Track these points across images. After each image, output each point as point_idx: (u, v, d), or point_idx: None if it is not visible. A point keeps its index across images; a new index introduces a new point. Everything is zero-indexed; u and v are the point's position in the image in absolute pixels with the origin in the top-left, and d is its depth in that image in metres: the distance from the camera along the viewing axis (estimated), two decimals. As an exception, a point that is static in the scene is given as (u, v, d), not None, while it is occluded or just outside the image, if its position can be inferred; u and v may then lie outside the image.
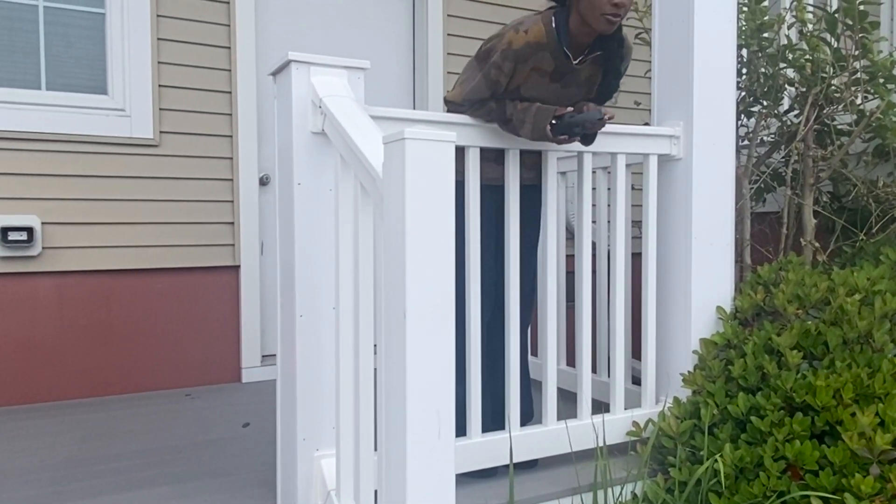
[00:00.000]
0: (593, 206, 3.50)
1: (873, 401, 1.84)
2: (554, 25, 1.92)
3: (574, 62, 1.98)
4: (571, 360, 3.31)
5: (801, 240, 2.73)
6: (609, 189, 2.66)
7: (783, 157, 2.97)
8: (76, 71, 3.03)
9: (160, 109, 3.12)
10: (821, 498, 1.72)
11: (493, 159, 2.13)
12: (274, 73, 1.80)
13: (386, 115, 1.79)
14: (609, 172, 2.69)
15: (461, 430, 2.08)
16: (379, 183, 1.34)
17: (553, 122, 1.90)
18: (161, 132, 3.13)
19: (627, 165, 2.51)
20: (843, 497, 1.69)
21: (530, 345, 3.32)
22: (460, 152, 2.07)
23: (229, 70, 3.24)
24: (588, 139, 2.02)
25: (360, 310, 1.51)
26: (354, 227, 1.52)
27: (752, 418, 1.92)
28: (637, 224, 3.48)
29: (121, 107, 3.06)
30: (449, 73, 3.74)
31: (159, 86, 3.12)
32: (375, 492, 1.53)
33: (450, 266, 1.25)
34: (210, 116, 3.21)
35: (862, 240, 2.76)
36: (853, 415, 1.81)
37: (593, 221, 3.34)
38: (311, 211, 1.70)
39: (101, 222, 3.04)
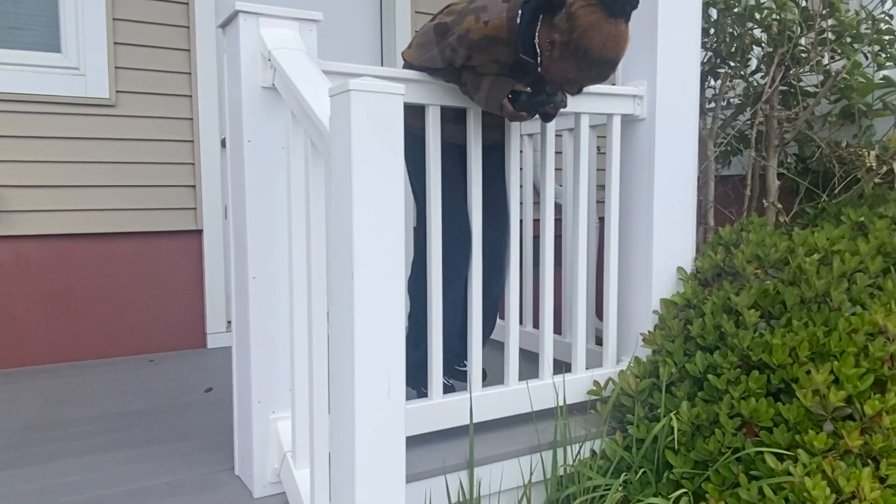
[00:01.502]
0: (559, 169, 3.48)
1: (829, 359, 1.86)
2: (519, 21, 1.72)
3: (534, 62, 1.78)
4: (538, 322, 3.31)
5: (764, 201, 2.74)
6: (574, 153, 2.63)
7: (749, 119, 2.96)
8: (28, 28, 2.91)
9: (116, 68, 3.02)
10: (774, 454, 1.74)
11: (457, 120, 2.07)
12: (222, 26, 1.73)
13: (340, 70, 1.73)
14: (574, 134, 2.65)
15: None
16: (327, 138, 1.30)
17: (510, 95, 1.82)
18: (117, 92, 3.02)
19: (592, 127, 2.49)
20: (796, 453, 1.71)
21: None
22: (421, 110, 2.03)
23: (187, 27, 3.13)
24: (547, 117, 1.96)
25: (314, 270, 1.48)
26: (306, 186, 1.48)
27: (710, 376, 1.94)
28: (603, 188, 3.45)
29: (75, 65, 2.95)
30: (417, 31, 3.65)
31: (115, 43, 3.01)
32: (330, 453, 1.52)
33: (398, 223, 1.23)
34: (168, 75, 3.11)
35: (824, 201, 2.77)
36: (808, 373, 1.83)
37: (560, 185, 3.33)
38: (262, 169, 1.65)
39: (58, 185, 2.95)
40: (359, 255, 1.19)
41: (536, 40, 1.72)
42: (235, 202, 1.74)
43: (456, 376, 2.29)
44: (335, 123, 1.23)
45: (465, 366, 2.21)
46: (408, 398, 2.07)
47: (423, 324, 2.03)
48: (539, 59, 1.73)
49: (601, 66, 1.63)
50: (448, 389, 2.12)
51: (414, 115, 2.03)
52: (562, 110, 2.10)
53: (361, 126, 1.17)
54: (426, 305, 1.95)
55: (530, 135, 2.91)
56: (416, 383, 2.16)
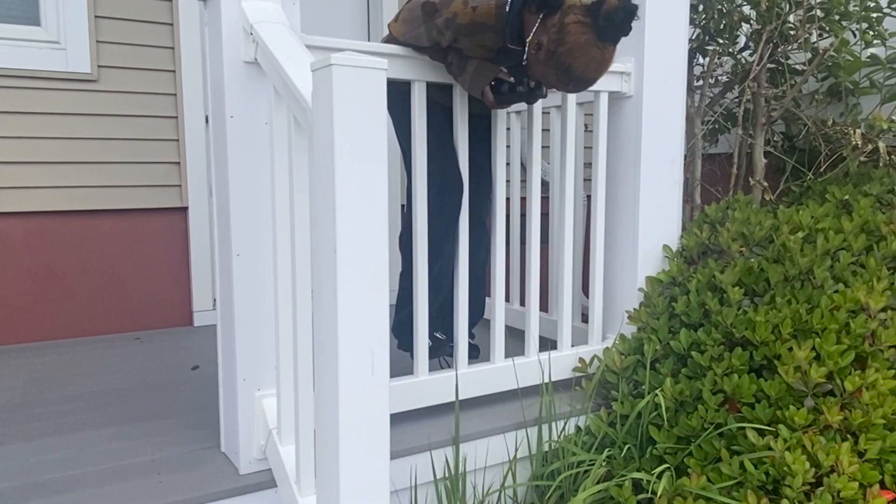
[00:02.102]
0: (546, 147, 3.47)
1: (811, 336, 1.88)
2: (508, 10, 1.71)
3: (520, 50, 1.77)
4: (524, 300, 3.32)
5: (751, 179, 2.74)
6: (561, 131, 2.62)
7: (736, 97, 2.95)
8: (6, 0, 2.85)
9: (97, 42, 2.96)
10: (756, 430, 1.76)
11: (443, 84, 2.03)
12: (204, -1, 1.70)
13: (324, 45, 1.71)
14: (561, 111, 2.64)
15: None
16: (309, 114, 1.28)
17: (493, 83, 1.82)
18: (99, 66, 2.97)
19: (580, 104, 2.47)
20: (777, 429, 1.74)
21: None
22: (407, 85, 2.00)
23: (170, 0, 3.08)
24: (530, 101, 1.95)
25: (298, 248, 1.47)
26: (289, 162, 1.47)
27: (693, 353, 1.95)
28: (590, 166, 3.45)
29: (55, 39, 2.89)
30: (405, 5, 3.61)
31: (96, 16, 2.95)
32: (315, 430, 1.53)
33: (382, 199, 1.22)
34: (151, 50, 3.06)
35: (810, 179, 2.78)
36: (790, 349, 1.85)
37: (547, 163, 3.32)
38: (245, 145, 1.63)
39: (40, 161, 2.91)
40: (342, 232, 1.18)
41: (528, 37, 1.70)
42: (219, 179, 1.72)
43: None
44: (317, 98, 1.21)
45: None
46: (402, 360, 2.08)
47: (434, 281, 2.04)
48: (525, 52, 1.72)
49: (579, 83, 1.67)
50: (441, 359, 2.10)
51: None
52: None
53: (344, 101, 1.16)
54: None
55: (518, 112, 2.89)
56: (410, 344, 2.13)
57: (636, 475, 1.76)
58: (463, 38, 1.77)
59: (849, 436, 1.72)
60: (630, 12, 1.59)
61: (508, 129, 2.87)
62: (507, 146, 2.86)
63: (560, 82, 1.67)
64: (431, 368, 2.03)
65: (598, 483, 1.80)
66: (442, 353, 2.13)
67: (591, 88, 2.16)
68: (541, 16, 1.67)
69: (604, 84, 2.19)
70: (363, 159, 1.18)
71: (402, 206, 3.59)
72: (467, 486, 1.96)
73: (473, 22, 1.72)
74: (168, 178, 3.14)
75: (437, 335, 2.11)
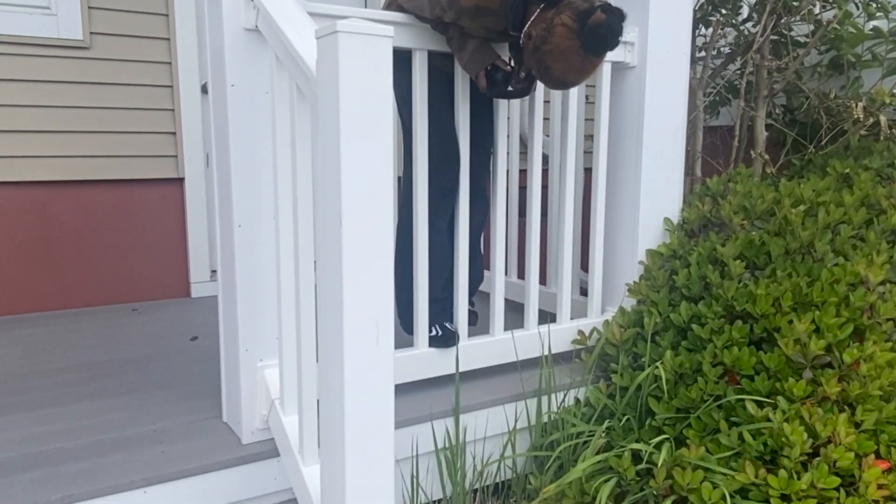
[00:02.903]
0: (546, 119, 3.44)
1: (811, 309, 1.89)
2: None
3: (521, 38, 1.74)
4: (523, 273, 3.33)
5: (752, 152, 2.73)
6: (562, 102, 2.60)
7: (738, 69, 2.93)
8: (-6, -36, 2.78)
9: (90, 8, 2.90)
10: (755, 401, 1.78)
11: (448, 54, 2.01)
12: (202, -36, 1.66)
13: (326, 13, 1.68)
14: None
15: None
16: (313, 82, 1.26)
17: (488, 68, 1.81)
18: (92, 33, 2.92)
19: (582, 74, 2.44)
20: (776, 400, 1.75)
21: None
22: (408, 53, 1.97)
23: (164, -34, 3.01)
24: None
25: (300, 217, 1.46)
26: (291, 132, 1.45)
27: (694, 326, 1.96)
28: (591, 139, 3.43)
29: (45, 4, 2.83)
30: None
31: (87, -18, 2.89)
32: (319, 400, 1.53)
33: (387, 169, 1.20)
34: (144, 17, 3.00)
35: (811, 152, 2.77)
36: (790, 322, 1.86)
37: (546, 135, 3.30)
38: (246, 115, 1.61)
39: (32, 130, 2.86)
40: (347, 202, 1.17)
41: (526, 26, 1.69)
42: (219, 149, 1.70)
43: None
44: (322, 67, 1.19)
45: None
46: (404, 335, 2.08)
47: (433, 257, 2.03)
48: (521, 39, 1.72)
49: (559, 84, 1.68)
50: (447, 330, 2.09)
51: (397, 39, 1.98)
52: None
53: (350, 69, 1.14)
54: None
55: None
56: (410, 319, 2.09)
57: (635, 446, 1.77)
58: (466, 19, 1.75)
59: (846, 407, 1.73)
60: (615, 31, 1.59)
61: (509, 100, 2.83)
62: (507, 118, 2.84)
63: (541, 77, 1.68)
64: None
65: (597, 454, 1.82)
66: (449, 344, 2.03)
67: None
68: (541, 6, 1.66)
69: (607, 54, 2.16)
70: (370, 129, 1.17)
71: (399, 178, 3.57)
72: (467, 456, 1.97)
73: (478, 6, 1.71)
74: (163, 149, 3.10)
75: (447, 325, 2.07)
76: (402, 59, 1.97)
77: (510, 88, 1.84)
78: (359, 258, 1.20)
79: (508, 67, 1.83)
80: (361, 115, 1.16)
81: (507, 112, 2.90)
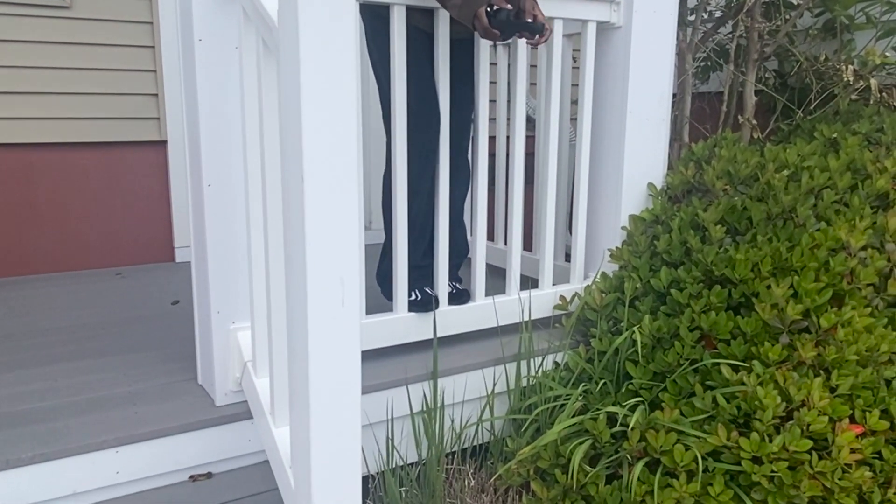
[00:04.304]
0: (534, 84, 3.39)
1: (790, 273, 1.87)
2: None
3: None
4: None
5: (740, 117, 2.69)
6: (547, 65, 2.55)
7: (729, 32, 2.87)
8: (-30, -81, 2.71)
9: (68, -34, 2.84)
10: (731, 365, 1.77)
11: (427, 10, 1.95)
12: (169, -86, 1.61)
13: (297, -34, 1.63)
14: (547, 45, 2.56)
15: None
16: (276, 34, 1.23)
17: (489, 10, 1.69)
18: (71, -8, 2.86)
19: (567, 36, 2.40)
20: (751, 365, 1.75)
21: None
22: (385, 10, 1.91)
23: (143, -78, 2.94)
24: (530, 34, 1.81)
25: (268, 176, 1.43)
26: (258, 88, 1.42)
27: (673, 291, 1.95)
28: (577, 103, 3.36)
29: (22, -39, 2.77)
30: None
31: (65, -62, 2.82)
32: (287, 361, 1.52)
33: (351, 126, 1.17)
34: (124, -25, 2.94)
35: (800, 117, 2.74)
36: (769, 287, 1.85)
37: (535, 99, 3.25)
38: (214, 70, 1.57)
39: (12, 91, 2.82)
40: (309, 157, 1.14)
41: None
42: (189, 106, 1.67)
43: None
44: (283, 17, 1.16)
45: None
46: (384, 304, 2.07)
47: (414, 222, 2.01)
48: None
49: None
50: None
51: None
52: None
53: (309, 19, 1.10)
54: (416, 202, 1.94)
55: (505, 44, 2.81)
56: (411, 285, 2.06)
57: (611, 409, 1.77)
58: None
59: (822, 372, 1.73)
60: None
61: (494, 63, 2.79)
62: (493, 82, 2.78)
63: None
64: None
65: (573, 416, 1.82)
66: (429, 309, 2.02)
67: (577, 17, 2.10)
68: None
69: (592, 13, 2.11)
70: (331, 80, 1.14)
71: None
72: (445, 419, 1.97)
73: None
74: (146, 111, 3.06)
75: (427, 290, 2.05)
76: (377, 17, 1.92)
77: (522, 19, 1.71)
78: (322, 216, 1.18)
79: (508, 5, 1.72)
80: (323, 65, 1.12)
81: (494, 76, 2.85)
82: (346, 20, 1.12)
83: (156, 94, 3.05)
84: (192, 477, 1.69)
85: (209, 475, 1.70)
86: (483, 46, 2.00)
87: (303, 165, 1.14)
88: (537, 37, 1.78)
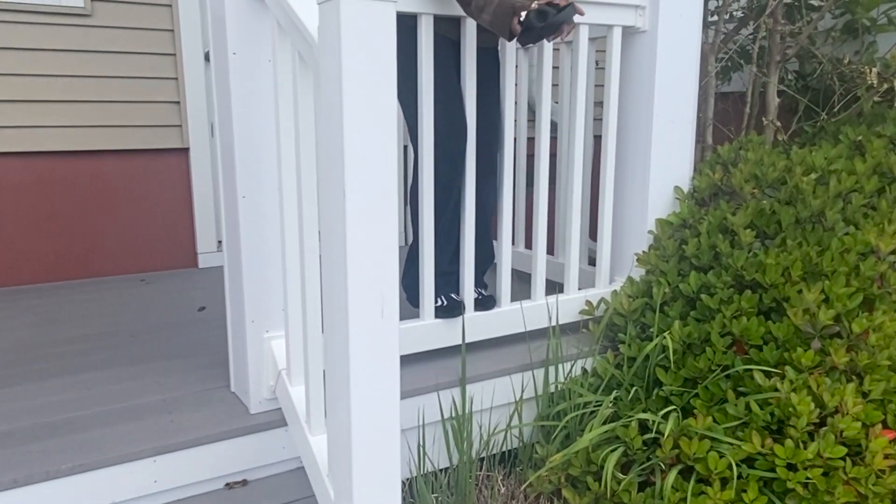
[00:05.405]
0: (555, 86, 3.39)
1: (820, 278, 1.87)
2: None
3: None
4: (530, 243, 3.30)
5: (764, 119, 2.68)
6: (571, 67, 2.55)
7: (751, 33, 2.86)
8: (-7, -70, 2.73)
9: (90, -25, 2.86)
10: (763, 371, 1.77)
11: (453, 19, 1.93)
12: (202, -72, 1.62)
13: (328, -22, 1.63)
14: (572, 47, 2.56)
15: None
16: (315, 50, 1.24)
17: (521, 18, 1.65)
18: (93, 0, 2.88)
19: (591, 40, 2.40)
20: (783, 370, 1.74)
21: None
22: (412, 20, 1.92)
23: (164, -70, 2.96)
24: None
25: (304, 188, 1.44)
26: (294, 101, 1.43)
27: (703, 296, 1.95)
28: (600, 105, 3.36)
29: (45, -29, 2.79)
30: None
31: (87, -53, 2.84)
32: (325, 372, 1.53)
33: (391, 141, 1.18)
34: (146, -17, 2.96)
35: (823, 119, 2.72)
36: (800, 292, 1.84)
37: (556, 102, 3.25)
38: (248, 83, 1.58)
39: (35, 100, 2.85)
40: (351, 174, 1.15)
41: None
42: (222, 118, 1.68)
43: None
44: (324, 34, 1.17)
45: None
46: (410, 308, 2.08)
47: (441, 230, 2.01)
48: None
49: None
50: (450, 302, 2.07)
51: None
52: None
53: (352, 36, 1.11)
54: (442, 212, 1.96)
55: (525, 48, 2.81)
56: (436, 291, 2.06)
57: (643, 416, 1.77)
58: None
59: (854, 377, 1.73)
60: None
61: (516, 66, 2.78)
62: (515, 84, 2.79)
63: None
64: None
65: (604, 423, 1.82)
66: (455, 314, 2.01)
67: (603, 22, 2.10)
68: None
69: (617, 17, 2.11)
70: (372, 99, 1.14)
71: (405, 146, 3.54)
72: (474, 425, 1.98)
73: None
74: (168, 118, 3.08)
75: (453, 296, 2.05)
76: (402, 27, 1.92)
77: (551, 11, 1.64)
78: (363, 231, 1.19)
79: (535, 5, 1.65)
80: (364, 84, 1.13)
81: (516, 79, 2.86)
82: (389, 38, 1.13)
83: (178, 102, 3.07)
84: (227, 484, 1.70)
85: (244, 482, 1.72)
86: (510, 56, 2.00)
87: (345, 181, 1.15)
88: (564, 28, 1.71)
